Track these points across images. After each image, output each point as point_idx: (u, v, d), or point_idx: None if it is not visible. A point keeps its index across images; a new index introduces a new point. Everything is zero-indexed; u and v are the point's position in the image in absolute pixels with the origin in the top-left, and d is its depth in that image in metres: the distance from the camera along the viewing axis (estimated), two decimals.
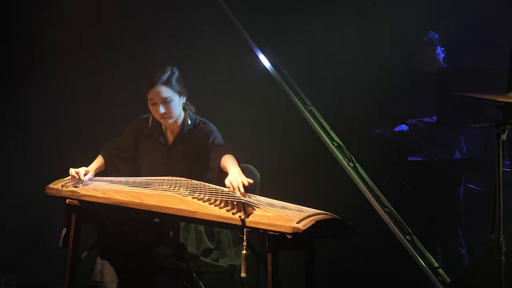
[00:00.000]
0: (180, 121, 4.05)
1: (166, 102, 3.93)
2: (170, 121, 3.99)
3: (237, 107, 5.26)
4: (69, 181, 3.80)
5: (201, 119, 4.10)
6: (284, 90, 5.01)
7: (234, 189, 3.51)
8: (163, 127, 4.09)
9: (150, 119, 4.07)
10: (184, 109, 4.05)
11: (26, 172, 5.30)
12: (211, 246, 3.83)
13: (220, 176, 3.80)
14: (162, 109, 3.93)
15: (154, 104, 3.94)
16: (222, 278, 3.82)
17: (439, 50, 5.32)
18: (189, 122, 4.04)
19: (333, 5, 5.35)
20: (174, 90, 3.95)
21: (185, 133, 4.04)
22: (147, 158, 4.07)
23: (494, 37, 5.08)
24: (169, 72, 3.98)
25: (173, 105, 3.94)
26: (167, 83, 3.94)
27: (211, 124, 4.07)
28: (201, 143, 4.00)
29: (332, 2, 5.36)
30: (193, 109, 4.13)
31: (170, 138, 4.07)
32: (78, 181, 3.81)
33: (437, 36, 5.31)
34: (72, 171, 3.83)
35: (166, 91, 3.93)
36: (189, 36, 5.30)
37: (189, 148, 4.02)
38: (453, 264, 4.97)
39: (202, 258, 3.77)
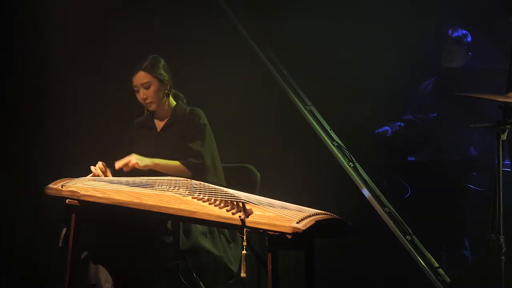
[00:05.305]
0: (168, 108, 4.20)
1: (145, 87, 4.11)
2: (152, 106, 4.15)
3: (237, 107, 5.26)
4: (70, 180, 3.79)
5: (192, 108, 4.21)
6: (284, 90, 5.00)
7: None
8: (154, 116, 4.23)
9: (145, 109, 4.23)
10: (168, 95, 4.17)
11: (26, 171, 5.30)
12: (203, 229, 3.87)
13: None
14: (142, 94, 4.13)
15: (137, 91, 4.15)
16: (221, 275, 3.82)
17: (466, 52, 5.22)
18: (177, 110, 4.17)
19: (334, 5, 5.34)
20: (153, 76, 4.12)
21: (174, 120, 4.18)
22: (137, 145, 4.17)
23: (494, 37, 5.08)
24: (149, 60, 4.16)
25: (152, 90, 4.12)
26: (146, 69, 4.13)
27: (202, 115, 4.16)
28: (188, 131, 4.12)
29: (333, 2, 5.36)
30: (182, 96, 4.26)
31: (160, 125, 4.21)
32: (98, 176, 3.87)
33: (469, 39, 5.23)
34: (96, 167, 3.90)
35: (144, 77, 4.13)
36: (188, 35, 5.29)
37: (178, 135, 4.14)
38: (455, 265, 4.96)
39: (200, 241, 3.79)
